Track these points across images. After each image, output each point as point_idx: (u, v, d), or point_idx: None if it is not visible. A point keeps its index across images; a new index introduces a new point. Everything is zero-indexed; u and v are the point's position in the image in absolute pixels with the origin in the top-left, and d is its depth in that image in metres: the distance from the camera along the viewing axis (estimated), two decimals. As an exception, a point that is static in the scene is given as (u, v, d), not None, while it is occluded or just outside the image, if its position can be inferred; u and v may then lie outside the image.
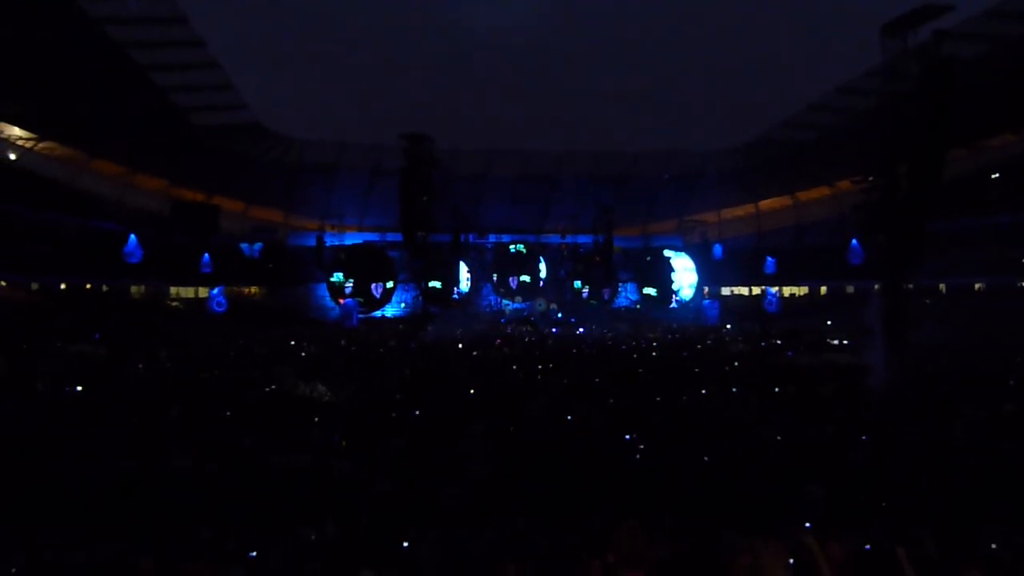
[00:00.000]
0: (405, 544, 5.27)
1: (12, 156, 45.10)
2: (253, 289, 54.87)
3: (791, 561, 2.77)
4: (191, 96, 40.98)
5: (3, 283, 39.67)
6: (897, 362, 17.42)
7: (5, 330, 28.36)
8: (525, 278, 57.34)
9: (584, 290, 57.15)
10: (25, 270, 40.78)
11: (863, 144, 22.53)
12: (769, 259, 51.90)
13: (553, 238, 57.95)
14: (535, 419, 11.05)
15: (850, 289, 49.11)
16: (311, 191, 54.44)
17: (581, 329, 41.31)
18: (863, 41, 24.00)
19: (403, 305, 53.69)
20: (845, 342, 26.76)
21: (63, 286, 43.80)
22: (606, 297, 56.51)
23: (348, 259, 53.64)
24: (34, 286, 42.08)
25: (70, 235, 44.95)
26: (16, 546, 5.25)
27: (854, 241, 43.77)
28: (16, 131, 44.30)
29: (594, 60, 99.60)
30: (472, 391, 14.28)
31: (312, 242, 52.80)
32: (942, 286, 43.76)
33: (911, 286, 19.74)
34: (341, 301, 52.44)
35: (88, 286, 45.58)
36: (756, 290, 54.79)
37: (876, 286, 24.01)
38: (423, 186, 33.79)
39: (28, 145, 45.45)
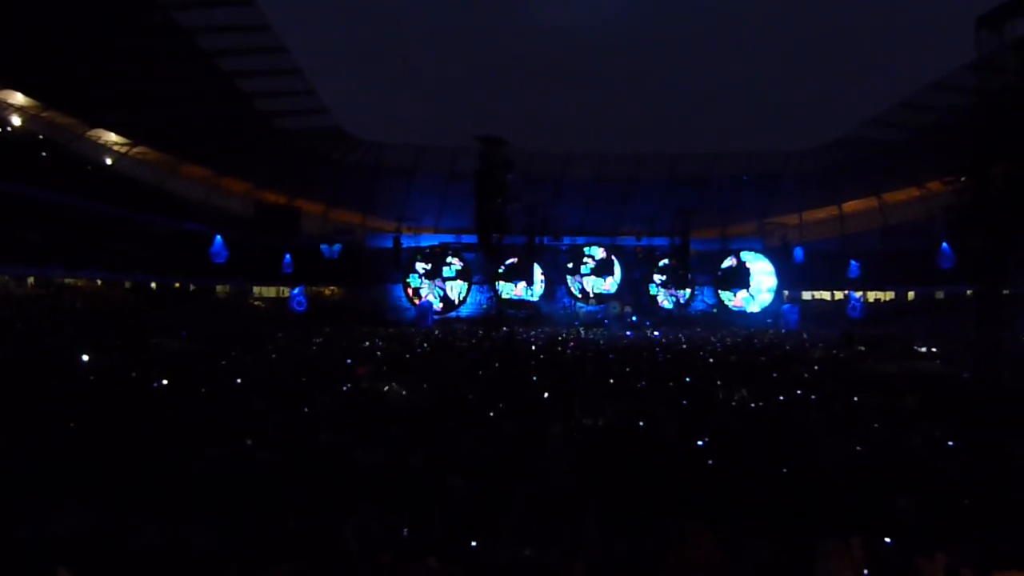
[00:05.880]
0: (474, 543, 5.32)
1: (108, 161, 47.53)
2: (332, 289, 56.27)
3: (866, 572, 2.69)
4: (275, 101, 42.25)
5: (99, 282, 41.74)
6: (990, 372, 16.66)
7: (101, 327, 29.84)
8: (599, 281, 56.99)
9: (660, 293, 56.45)
10: (119, 269, 42.70)
11: (955, 143, 21.59)
12: (853, 263, 50.27)
13: (629, 240, 57.31)
14: (610, 422, 10.98)
15: (940, 295, 47.26)
16: (389, 193, 55.40)
17: (656, 333, 40.83)
18: (957, 35, 23.09)
19: (478, 306, 54.09)
20: (933, 350, 25.71)
21: (153, 285, 45.73)
22: (682, 301, 55.67)
23: (424, 260, 54.41)
24: (127, 284, 44.09)
25: (160, 236, 46.94)
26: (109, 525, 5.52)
27: (944, 244, 42.07)
28: (112, 137, 46.65)
29: (672, 59, 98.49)
30: (546, 393, 14.26)
31: (389, 243, 53.72)
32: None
33: (1006, 292, 18.84)
34: (417, 302, 53.24)
35: (177, 285, 47.54)
36: (839, 295, 53.15)
37: (968, 292, 23.03)
38: (498, 188, 33.95)
39: (123, 150, 47.82)
